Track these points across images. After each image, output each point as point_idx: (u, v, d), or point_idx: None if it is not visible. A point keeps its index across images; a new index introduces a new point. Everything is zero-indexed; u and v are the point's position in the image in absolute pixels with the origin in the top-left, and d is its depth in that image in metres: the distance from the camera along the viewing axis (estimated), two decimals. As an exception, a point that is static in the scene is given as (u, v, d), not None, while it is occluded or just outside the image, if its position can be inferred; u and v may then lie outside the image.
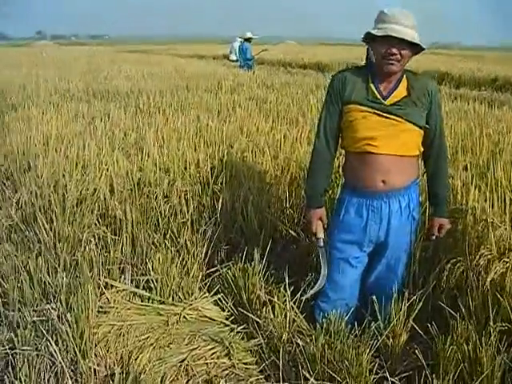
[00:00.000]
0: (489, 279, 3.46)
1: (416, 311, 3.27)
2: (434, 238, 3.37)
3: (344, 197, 3.33)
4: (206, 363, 3.23)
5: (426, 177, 3.41)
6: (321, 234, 3.27)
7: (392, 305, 3.26)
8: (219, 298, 3.82)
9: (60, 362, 3.05)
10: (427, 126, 3.12)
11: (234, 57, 22.61)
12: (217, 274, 4.07)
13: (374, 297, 3.28)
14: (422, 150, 3.22)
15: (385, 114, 3.03)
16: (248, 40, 19.83)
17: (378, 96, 3.06)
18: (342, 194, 3.39)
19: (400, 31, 2.88)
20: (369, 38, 3.06)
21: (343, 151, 3.40)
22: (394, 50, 2.92)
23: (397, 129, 3.03)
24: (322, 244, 3.29)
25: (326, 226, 3.37)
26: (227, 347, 3.32)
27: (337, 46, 58.29)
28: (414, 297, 3.32)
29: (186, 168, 5.57)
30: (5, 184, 6.49)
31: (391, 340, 3.24)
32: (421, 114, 3.07)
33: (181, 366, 3.19)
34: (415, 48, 2.99)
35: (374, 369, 3.02)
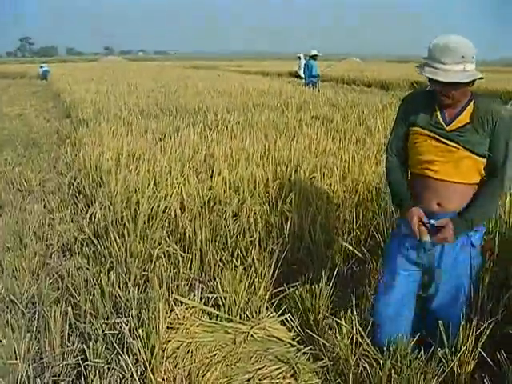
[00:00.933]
0: None
1: (484, 338, 3.18)
2: (426, 235, 3.11)
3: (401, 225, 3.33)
4: (272, 383, 3.23)
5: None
6: (426, 237, 3.15)
7: (456, 332, 3.18)
8: (286, 318, 3.81)
9: (131, 375, 3.10)
10: (490, 153, 3.02)
11: (302, 73, 22.84)
12: (284, 293, 4.07)
13: (441, 322, 3.21)
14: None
15: (444, 140, 3.01)
16: (313, 57, 19.89)
17: (441, 121, 3.03)
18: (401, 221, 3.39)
19: (442, 73, 2.85)
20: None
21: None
22: (437, 88, 2.94)
23: (455, 156, 3.00)
24: (429, 246, 3.17)
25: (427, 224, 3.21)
26: (293, 367, 3.31)
27: (401, 64, 57.65)
28: (483, 324, 3.24)
29: (255, 187, 5.61)
30: (77, 198, 6.66)
31: (458, 367, 3.17)
32: (482, 141, 2.99)
33: (248, 384, 3.20)
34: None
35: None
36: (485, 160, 3.02)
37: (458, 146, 2.98)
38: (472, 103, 3.01)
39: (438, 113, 3.05)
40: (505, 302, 3.76)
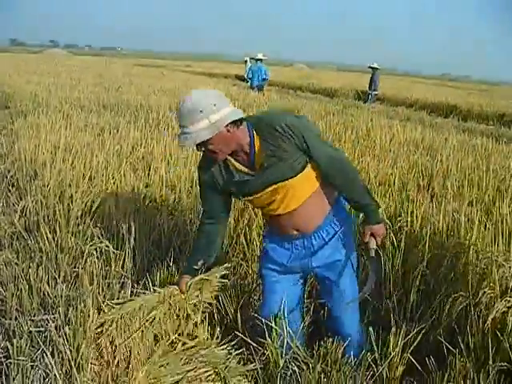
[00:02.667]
0: (490, 317, 3.42)
1: (414, 344, 3.21)
2: (373, 249, 3.09)
3: (266, 237, 3.37)
4: (202, 386, 3.20)
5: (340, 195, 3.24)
6: (373, 245, 3.14)
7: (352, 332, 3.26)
8: (219, 322, 3.79)
9: (55, 375, 3.01)
10: (306, 162, 2.92)
11: (247, 77, 22.90)
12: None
13: (371, 328, 3.23)
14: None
15: (265, 191, 2.93)
16: (259, 61, 20.05)
17: (245, 170, 2.94)
18: (264, 237, 3.43)
19: (184, 138, 2.76)
20: None
21: None
22: (201, 150, 2.87)
23: (280, 192, 2.93)
24: (373, 254, 3.16)
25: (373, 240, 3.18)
26: (223, 370, 3.28)
27: (347, 73, 58.50)
28: (412, 329, 3.27)
29: (191, 186, 5.57)
30: (10, 191, 6.48)
31: (388, 372, 3.20)
32: (291, 161, 2.87)
33: (176, 386, 3.16)
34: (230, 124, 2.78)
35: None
36: (309, 166, 2.95)
37: (275, 184, 2.90)
38: (255, 133, 2.88)
39: (235, 167, 2.95)
40: (435, 310, 3.81)
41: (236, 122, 2.80)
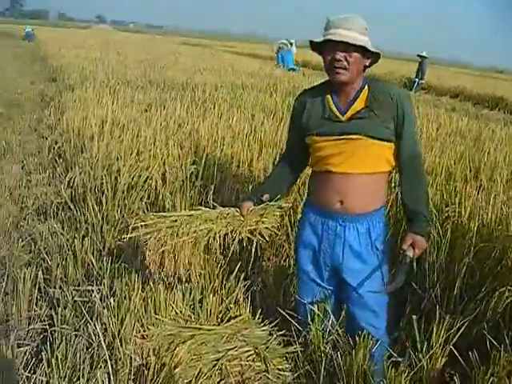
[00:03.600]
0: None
1: (457, 336, 3.15)
2: (408, 257, 2.91)
3: (303, 212, 3.26)
4: (242, 364, 3.19)
5: (400, 191, 3.14)
6: (410, 254, 3.05)
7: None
8: (260, 302, 3.78)
9: (98, 344, 3.03)
10: (393, 137, 2.87)
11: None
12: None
13: (414, 316, 3.16)
14: (395, 164, 2.99)
15: (342, 137, 2.84)
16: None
17: (336, 111, 2.87)
18: (303, 209, 3.31)
19: (341, 34, 2.70)
20: (316, 49, 2.90)
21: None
22: (338, 56, 2.73)
23: (357, 144, 2.82)
24: (407, 261, 3.07)
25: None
26: (263, 351, 3.27)
27: (391, 60, 57.76)
28: (456, 321, 3.20)
29: (238, 166, 5.55)
30: (56, 161, 6.57)
31: (429, 363, 3.14)
32: (384, 125, 2.81)
33: (216, 364, 3.15)
34: (367, 54, 2.79)
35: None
36: (392, 145, 2.88)
37: (358, 135, 2.80)
38: (366, 87, 2.86)
39: (331, 103, 2.89)
40: (480, 303, 3.74)
41: (371, 62, 2.85)
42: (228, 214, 3.17)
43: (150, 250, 3.21)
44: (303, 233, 3.17)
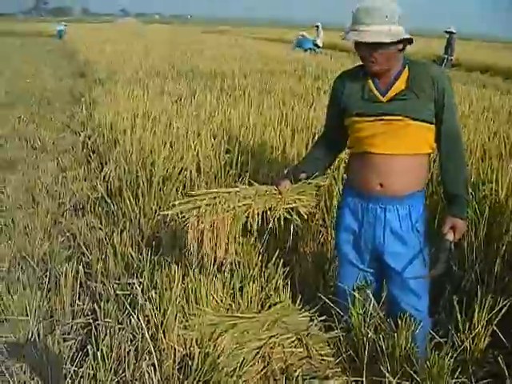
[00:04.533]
0: None
1: (499, 316, 3.10)
2: (448, 241, 2.88)
3: (342, 196, 3.24)
4: (284, 351, 3.19)
5: (440, 173, 3.10)
6: (450, 238, 3.03)
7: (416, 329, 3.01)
8: (300, 288, 3.76)
9: (141, 336, 3.07)
10: (433, 119, 2.84)
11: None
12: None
13: (454, 296, 3.13)
14: (435, 145, 2.95)
15: (383, 117, 2.82)
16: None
17: (376, 93, 2.84)
18: (342, 192, 3.29)
19: (357, 34, 2.70)
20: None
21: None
22: (362, 54, 2.76)
23: (397, 126, 2.80)
24: (448, 246, 3.03)
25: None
26: (305, 337, 3.27)
27: (418, 37, 57.01)
28: (498, 301, 3.15)
29: (271, 153, 5.54)
30: (91, 157, 6.63)
31: (472, 344, 3.11)
32: (424, 106, 2.79)
33: (258, 351, 3.16)
34: (394, 42, 2.72)
35: (456, 373, 2.90)
36: (432, 126, 2.85)
37: (398, 116, 2.78)
38: (407, 68, 2.83)
39: (371, 84, 2.86)
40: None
41: (404, 43, 2.78)
42: (266, 192, 3.18)
43: (189, 228, 3.09)
44: (343, 217, 3.13)
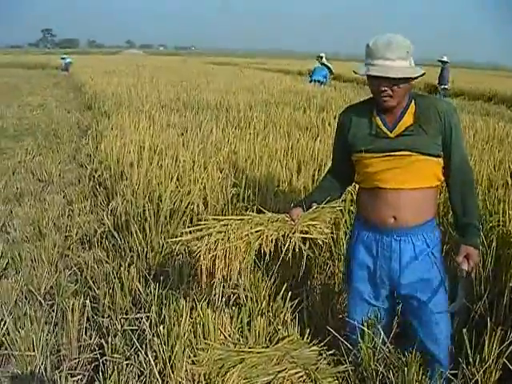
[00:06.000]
0: None
1: (510, 349, 3.07)
2: (464, 270, 2.86)
3: (354, 230, 3.21)
4: (293, 386, 3.18)
5: (451, 204, 3.11)
6: (465, 267, 3.03)
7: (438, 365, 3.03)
8: (308, 322, 3.75)
9: (149, 372, 3.05)
10: (441, 152, 2.87)
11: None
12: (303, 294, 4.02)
13: (464, 330, 3.09)
14: (443, 178, 2.98)
15: (391, 153, 2.84)
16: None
17: (383, 128, 2.87)
18: (354, 227, 3.27)
19: (383, 68, 2.70)
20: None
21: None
22: (382, 88, 2.75)
23: (405, 162, 2.82)
24: (464, 275, 3.03)
25: None
26: (314, 371, 3.25)
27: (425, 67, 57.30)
28: (509, 333, 3.12)
29: (278, 185, 5.54)
30: (97, 190, 6.65)
31: (483, 378, 3.08)
32: (432, 141, 2.81)
33: (268, 387, 3.14)
34: (412, 78, 2.77)
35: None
36: (440, 159, 2.88)
37: (406, 151, 2.81)
38: (413, 103, 2.87)
39: (379, 120, 2.89)
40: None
41: (414, 79, 2.81)
42: (278, 219, 3.15)
43: (200, 257, 3.03)
44: (357, 253, 3.14)
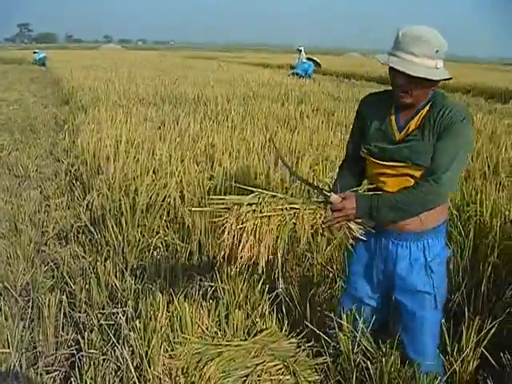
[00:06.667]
0: None
1: (488, 338, 3.09)
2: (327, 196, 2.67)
3: None
4: (271, 379, 3.16)
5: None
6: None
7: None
8: (286, 314, 3.73)
9: (126, 367, 3.02)
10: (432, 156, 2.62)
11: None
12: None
13: (443, 321, 3.03)
14: None
15: (389, 162, 2.69)
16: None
17: (395, 127, 2.70)
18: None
19: (402, 62, 2.50)
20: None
21: None
22: (400, 82, 2.56)
23: (402, 172, 2.68)
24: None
25: None
26: (293, 364, 3.24)
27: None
28: (486, 322, 3.14)
29: (255, 178, 5.53)
30: (74, 185, 6.59)
31: (461, 367, 3.09)
32: (426, 149, 2.60)
33: (245, 380, 3.13)
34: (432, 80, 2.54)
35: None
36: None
37: (404, 163, 2.63)
38: (429, 106, 2.64)
39: (393, 117, 2.73)
40: (507, 300, 3.69)
41: (438, 82, 2.60)
42: (313, 203, 2.73)
43: (226, 230, 2.64)
44: (355, 247, 2.99)
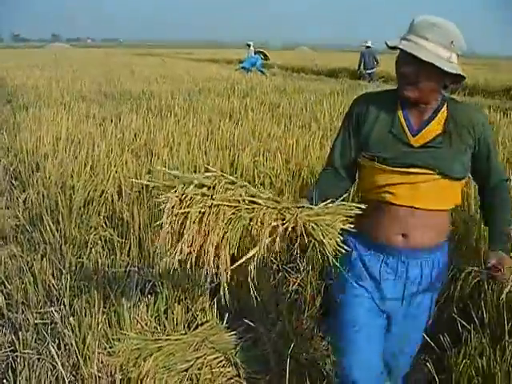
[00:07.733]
0: (505, 291, 3.30)
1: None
2: (496, 273, 2.39)
3: (348, 241, 2.42)
4: (212, 372, 3.15)
5: (480, 209, 2.78)
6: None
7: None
8: (226, 305, 3.69)
9: (61, 367, 2.97)
10: (467, 173, 2.43)
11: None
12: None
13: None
14: (477, 186, 2.62)
15: (410, 169, 2.34)
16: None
17: (406, 130, 2.37)
18: (347, 238, 2.42)
19: (414, 44, 2.24)
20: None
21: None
22: (406, 70, 2.29)
23: (422, 179, 2.35)
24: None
25: None
26: (233, 356, 3.24)
27: (353, 53, 57.81)
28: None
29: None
30: (13, 184, 6.47)
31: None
32: (459, 158, 2.35)
33: (186, 373, 3.11)
34: (446, 73, 2.27)
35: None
36: (462, 182, 2.45)
37: (427, 169, 2.32)
38: (445, 108, 2.39)
39: (402, 117, 2.40)
40: (448, 285, 3.72)
41: (453, 80, 2.35)
42: (280, 202, 2.29)
43: (166, 212, 2.19)
44: (353, 270, 2.57)
